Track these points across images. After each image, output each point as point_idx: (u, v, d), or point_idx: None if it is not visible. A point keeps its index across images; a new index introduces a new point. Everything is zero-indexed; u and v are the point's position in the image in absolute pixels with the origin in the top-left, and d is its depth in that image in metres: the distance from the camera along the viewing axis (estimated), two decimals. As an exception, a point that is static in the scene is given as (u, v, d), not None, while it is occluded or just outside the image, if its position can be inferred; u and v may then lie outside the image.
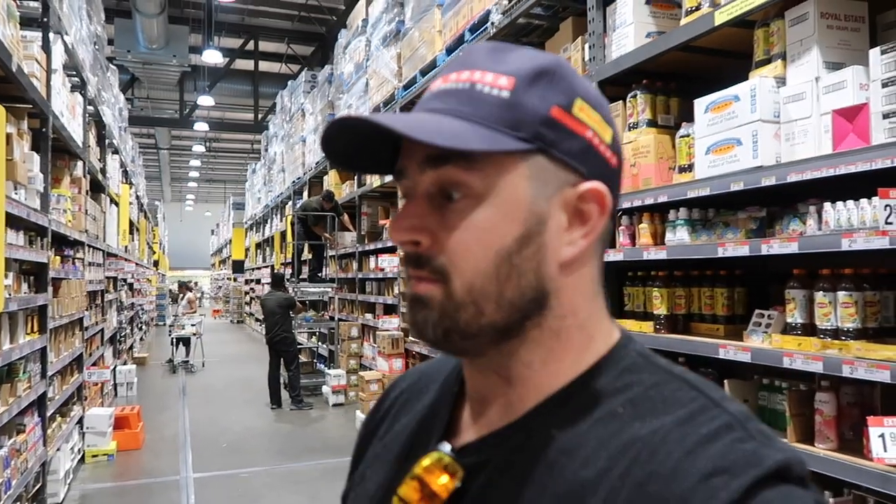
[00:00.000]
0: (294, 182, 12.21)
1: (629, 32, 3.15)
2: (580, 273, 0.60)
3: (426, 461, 0.60)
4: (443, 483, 0.58)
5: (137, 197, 12.94)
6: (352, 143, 0.60)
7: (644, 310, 3.17)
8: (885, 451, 1.85)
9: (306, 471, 5.57)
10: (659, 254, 2.88)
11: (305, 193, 11.11)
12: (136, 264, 12.67)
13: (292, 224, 9.53)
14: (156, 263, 22.56)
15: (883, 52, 2.01)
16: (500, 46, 0.61)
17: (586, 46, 3.45)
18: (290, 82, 13.24)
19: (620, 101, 3.24)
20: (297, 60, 18.08)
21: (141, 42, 12.94)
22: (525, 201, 0.56)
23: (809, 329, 2.33)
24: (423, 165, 0.58)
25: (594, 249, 0.60)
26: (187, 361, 11.91)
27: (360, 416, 6.78)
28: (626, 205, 3.09)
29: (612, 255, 3.19)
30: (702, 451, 0.51)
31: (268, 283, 16.83)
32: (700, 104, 2.66)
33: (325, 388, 8.45)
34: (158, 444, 6.49)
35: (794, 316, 2.36)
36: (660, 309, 2.99)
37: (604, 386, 0.58)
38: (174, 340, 12.16)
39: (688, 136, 2.82)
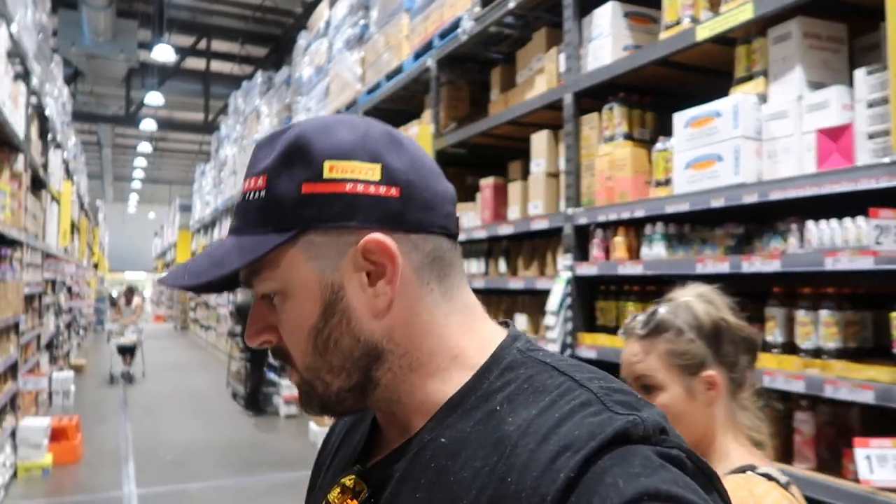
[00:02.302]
0: (246, 185, 11.89)
1: (606, 45, 3.12)
2: (406, 309, 0.63)
3: (336, 489, 0.67)
4: (350, 499, 0.64)
5: (79, 196, 12.40)
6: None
7: (617, 324, 3.14)
8: (872, 472, 1.84)
9: (257, 486, 5.36)
10: (635, 268, 2.85)
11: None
12: (76, 266, 12.13)
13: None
14: (95, 265, 21.71)
15: (869, 73, 2.02)
16: (266, 142, 0.65)
17: (562, 57, 3.42)
18: (244, 83, 12.92)
19: (595, 113, 3.21)
20: (251, 62, 17.70)
21: (86, 35, 12.43)
22: (313, 280, 0.61)
23: (789, 348, 2.32)
24: (245, 284, 0.65)
25: (412, 280, 0.63)
26: (128, 372, 10.95)
27: (314, 427, 6.59)
28: (601, 218, 3.06)
29: (586, 269, 3.16)
30: (553, 436, 0.54)
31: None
32: (680, 119, 2.65)
33: (276, 399, 8.22)
34: (98, 458, 6.16)
35: (774, 334, 2.35)
36: (633, 324, 2.96)
37: (486, 388, 0.61)
38: (118, 349, 11.07)
39: (665, 150, 2.80)
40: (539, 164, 3.65)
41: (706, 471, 0.55)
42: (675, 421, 1.12)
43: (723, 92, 2.60)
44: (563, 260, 3.33)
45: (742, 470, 1.13)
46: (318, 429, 6.49)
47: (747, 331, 1.23)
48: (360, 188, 0.60)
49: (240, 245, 0.62)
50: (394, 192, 0.61)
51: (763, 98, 2.41)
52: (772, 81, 2.39)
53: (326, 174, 0.60)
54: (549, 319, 3.31)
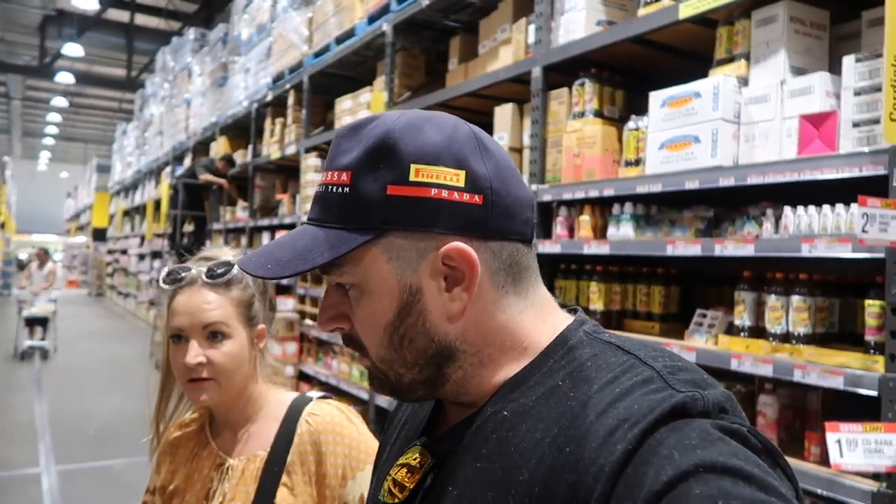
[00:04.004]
0: (174, 147, 11.30)
1: (580, 18, 3.05)
2: (480, 312, 0.64)
3: (401, 460, 0.70)
4: (415, 469, 0.67)
5: (-13, 150, 11.48)
6: None
7: (577, 303, 3.11)
8: (842, 456, 1.87)
9: (188, 461, 5.13)
10: (601, 248, 2.82)
11: (188, 160, 10.32)
12: (-17, 226, 11.26)
13: (175, 191, 8.77)
14: (1, 225, 20.33)
15: (857, 61, 2.02)
16: (348, 133, 0.65)
17: (531, 29, 3.33)
18: (174, 39, 12.23)
19: (566, 89, 3.14)
20: (178, 17, 16.79)
21: (-2, -25, 11.44)
22: (392, 280, 0.63)
23: (757, 332, 2.34)
24: (321, 271, 0.65)
25: (488, 285, 0.64)
26: (42, 347, 9.85)
27: (247, 401, 6.37)
28: (567, 196, 3.01)
29: (549, 247, 3.11)
30: (612, 409, 0.55)
31: (136, 255, 15.62)
32: (656, 98, 2.61)
33: (204, 371, 7.91)
34: (11, 432, 5.76)
35: (743, 318, 2.37)
36: (596, 304, 2.94)
37: (550, 366, 0.63)
38: (27, 321, 9.80)
39: (638, 129, 2.76)
40: (502, 137, 3.56)
41: (769, 447, 0.53)
42: (237, 367, 1.23)
43: (695, 74, 2.57)
44: (525, 237, 3.27)
45: (306, 400, 1.32)
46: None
47: (271, 293, 1.41)
48: (444, 194, 0.61)
49: (322, 239, 0.62)
50: (477, 199, 0.62)
51: (743, 81, 2.39)
52: (753, 65, 2.37)
53: (412, 177, 0.61)
54: (508, 297, 3.26)
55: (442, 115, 0.66)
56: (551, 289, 3.24)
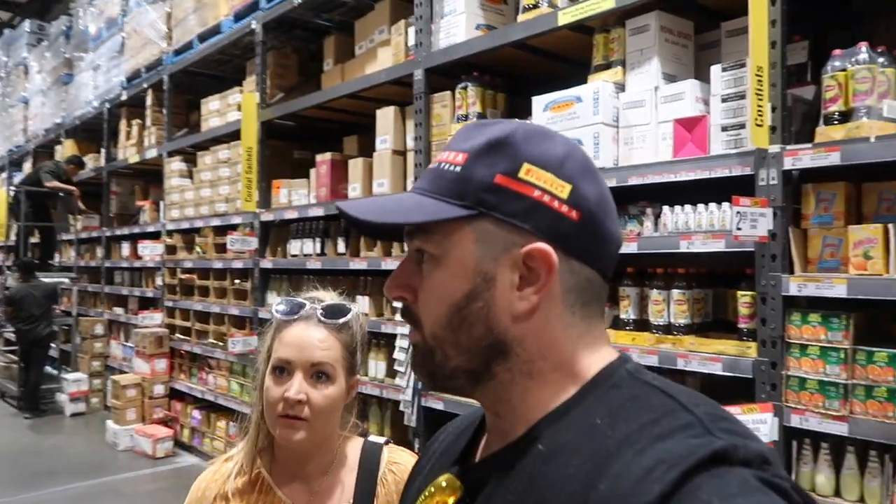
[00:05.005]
0: (11, 151, 10.22)
1: (460, 22, 3.07)
2: (544, 322, 0.65)
3: (432, 487, 0.71)
4: (445, 498, 0.69)
5: None
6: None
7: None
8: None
9: (52, 500, 4.66)
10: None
11: (28, 165, 9.37)
12: None
13: (16, 200, 7.91)
14: None
15: (724, 70, 2.18)
16: (476, 125, 0.69)
17: (411, 31, 3.31)
18: (7, 31, 11.05)
19: (448, 92, 3.16)
20: (9, 7, 15.19)
21: None
22: (472, 262, 0.65)
23: (641, 325, 2.47)
24: (407, 235, 0.69)
25: (559, 299, 0.65)
26: None
27: (113, 426, 5.87)
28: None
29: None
30: (650, 450, 0.54)
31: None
32: (539, 102, 2.68)
33: (60, 396, 7.22)
34: None
35: (628, 312, 2.48)
36: (488, 305, 2.98)
37: (590, 402, 0.63)
38: None
39: (521, 132, 2.82)
40: (385, 140, 3.52)
41: None
42: (331, 413, 1.20)
43: (574, 79, 2.66)
44: (413, 240, 3.25)
45: (378, 446, 1.31)
46: (118, 427, 5.80)
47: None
48: (545, 198, 0.64)
49: (423, 204, 0.66)
50: (574, 214, 0.64)
51: (620, 87, 2.51)
52: (629, 71, 2.49)
53: (522, 174, 0.64)
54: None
55: (568, 138, 0.69)
56: (441, 291, 3.26)
